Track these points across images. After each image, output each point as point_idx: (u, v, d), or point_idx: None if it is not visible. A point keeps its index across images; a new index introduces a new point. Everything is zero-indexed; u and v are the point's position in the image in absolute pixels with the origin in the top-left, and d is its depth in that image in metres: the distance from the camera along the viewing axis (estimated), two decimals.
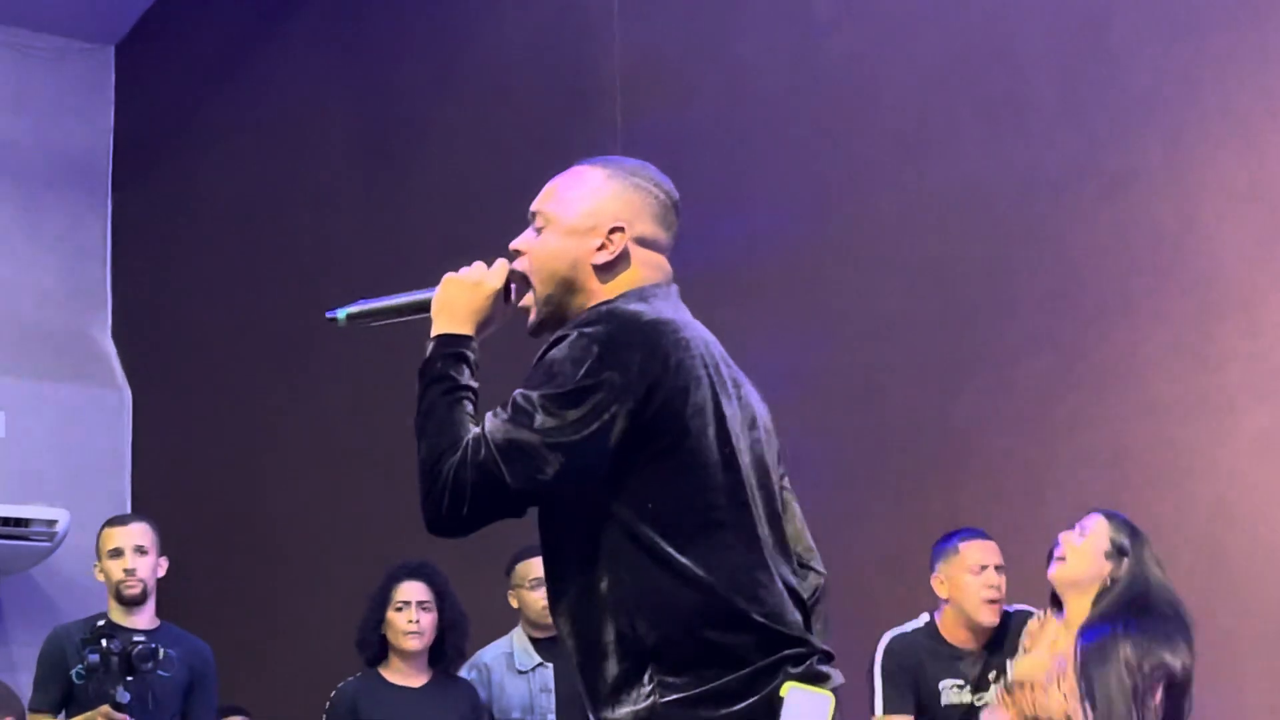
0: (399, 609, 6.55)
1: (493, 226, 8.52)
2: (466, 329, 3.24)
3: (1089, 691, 5.21)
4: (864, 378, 7.59)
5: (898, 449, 7.46)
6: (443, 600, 6.59)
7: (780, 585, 3.17)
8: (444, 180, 8.88)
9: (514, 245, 3.36)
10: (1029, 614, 5.85)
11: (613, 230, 3.29)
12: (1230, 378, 6.79)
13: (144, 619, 6.63)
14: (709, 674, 3.06)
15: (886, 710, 5.87)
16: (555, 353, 3.13)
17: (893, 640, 6.07)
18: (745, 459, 3.21)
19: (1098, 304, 7.15)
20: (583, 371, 3.07)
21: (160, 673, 6.38)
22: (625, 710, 3.10)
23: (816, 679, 3.12)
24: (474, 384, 3.20)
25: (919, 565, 6.49)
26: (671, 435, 3.12)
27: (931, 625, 6.08)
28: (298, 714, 7.42)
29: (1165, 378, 6.93)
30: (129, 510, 9.06)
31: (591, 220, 3.30)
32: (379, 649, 6.62)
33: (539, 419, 3.05)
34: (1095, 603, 5.42)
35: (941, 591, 6.08)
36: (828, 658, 3.20)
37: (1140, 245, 7.07)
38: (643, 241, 3.33)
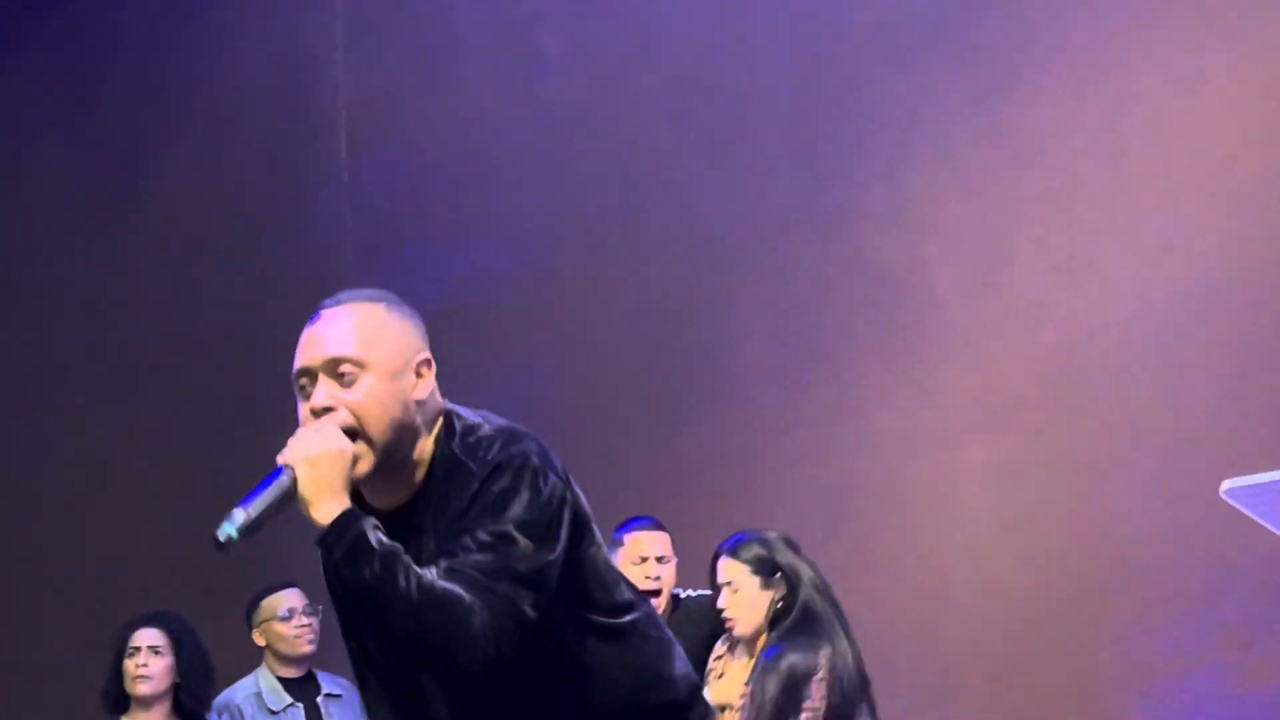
0: (130, 655, 6.46)
1: (222, 262, 8.50)
2: (347, 500, 3.11)
3: (753, 697, 5.37)
4: (594, 413, 7.62)
5: (629, 483, 7.49)
6: (179, 647, 6.49)
7: None
8: (172, 216, 8.75)
9: (322, 403, 3.18)
10: (704, 597, 5.90)
11: (421, 363, 3.25)
12: (951, 413, 6.94)
13: None
14: None
15: None
16: (497, 485, 3.12)
17: None
18: None
19: (823, 340, 7.26)
20: (540, 493, 3.12)
21: None
22: None
23: None
24: None
25: None
26: (587, 524, 3.25)
27: None
28: None
29: (888, 412, 7.06)
30: None
31: (403, 358, 3.22)
32: (119, 698, 6.52)
33: (524, 546, 3.08)
34: (773, 625, 5.54)
35: None
36: None
37: (864, 283, 7.20)
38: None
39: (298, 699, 6.59)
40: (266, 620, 6.65)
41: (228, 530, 3.04)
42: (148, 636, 6.46)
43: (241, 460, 8.84)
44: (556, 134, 7.95)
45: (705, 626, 5.83)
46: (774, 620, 5.51)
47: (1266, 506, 3.40)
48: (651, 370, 7.55)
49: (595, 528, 3.28)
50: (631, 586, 3.37)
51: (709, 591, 5.84)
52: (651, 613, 3.36)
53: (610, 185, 7.80)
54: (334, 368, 3.18)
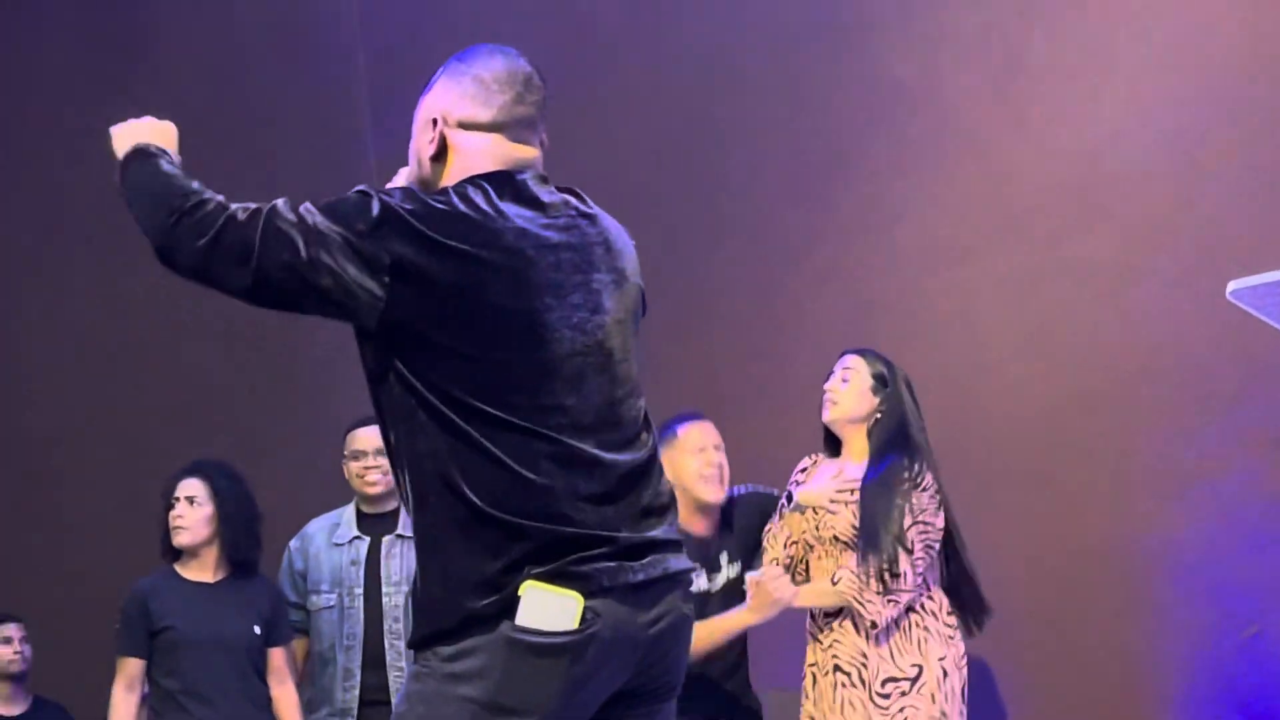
0: (172, 505, 6.51)
1: (234, 104, 8.43)
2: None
3: (864, 514, 5.48)
4: None
5: (653, 316, 7.47)
6: (219, 496, 6.51)
7: (563, 482, 3.09)
8: (180, 58, 8.69)
9: None
10: (762, 495, 5.94)
11: (434, 124, 3.30)
12: (970, 224, 6.90)
13: None
14: (475, 560, 3.02)
15: None
16: (366, 199, 3.10)
17: None
18: (565, 347, 3.17)
19: (842, 157, 7.21)
20: (373, 221, 3.04)
21: None
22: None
23: (565, 579, 3.02)
24: None
25: None
26: (460, 320, 3.08)
27: None
28: (89, 615, 7.43)
29: (909, 227, 7.03)
30: None
31: (426, 116, 3.34)
32: (170, 546, 6.58)
33: (307, 208, 3.07)
34: (869, 435, 5.66)
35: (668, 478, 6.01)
36: (632, 553, 3.13)
37: (879, 96, 7.14)
38: (466, 125, 3.30)
39: (367, 533, 6.49)
40: (345, 457, 6.64)
41: None
42: (187, 487, 6.49)
43: None
44: None
45: (755, 517, 5.87)
46: (871, 437, 5.65)
47: (1274, 306, 3.37)
48: (670, 200, 7.51)
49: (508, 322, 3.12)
50: (522, 404, 3.11)
51: (760, 488, 5.95)
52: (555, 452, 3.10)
53: (620, 5, 7.73)
54: None
